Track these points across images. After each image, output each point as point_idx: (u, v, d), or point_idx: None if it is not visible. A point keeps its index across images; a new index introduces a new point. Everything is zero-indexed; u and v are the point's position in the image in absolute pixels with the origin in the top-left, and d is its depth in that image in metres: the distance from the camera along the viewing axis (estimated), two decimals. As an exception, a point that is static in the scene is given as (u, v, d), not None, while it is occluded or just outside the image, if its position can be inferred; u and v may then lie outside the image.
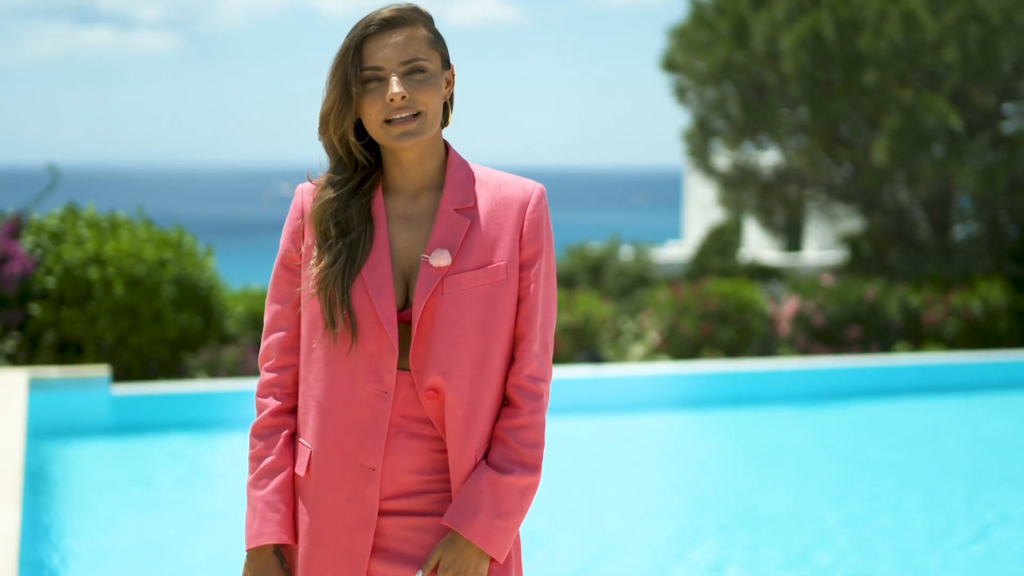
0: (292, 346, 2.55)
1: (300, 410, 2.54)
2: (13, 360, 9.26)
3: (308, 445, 2.51)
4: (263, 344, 2.58)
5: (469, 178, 2.52)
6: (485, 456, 2.49)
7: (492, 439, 2.49)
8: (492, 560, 2.47)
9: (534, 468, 2.48)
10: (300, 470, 2.52)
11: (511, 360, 2.51)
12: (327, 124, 2.47)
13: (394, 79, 2.41)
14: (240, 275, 12.48)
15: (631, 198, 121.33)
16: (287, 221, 2.57)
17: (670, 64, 16.58)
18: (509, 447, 2.47)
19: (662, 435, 9.43)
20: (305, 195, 2.55)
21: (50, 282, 9.22)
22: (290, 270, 2.55)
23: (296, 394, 2.56)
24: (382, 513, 2.48)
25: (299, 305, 2.53)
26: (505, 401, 2.52)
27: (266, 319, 2.58)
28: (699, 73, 16.17)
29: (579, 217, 62.83)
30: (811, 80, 15.18)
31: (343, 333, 2.45)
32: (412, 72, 2.42)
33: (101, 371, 8.32)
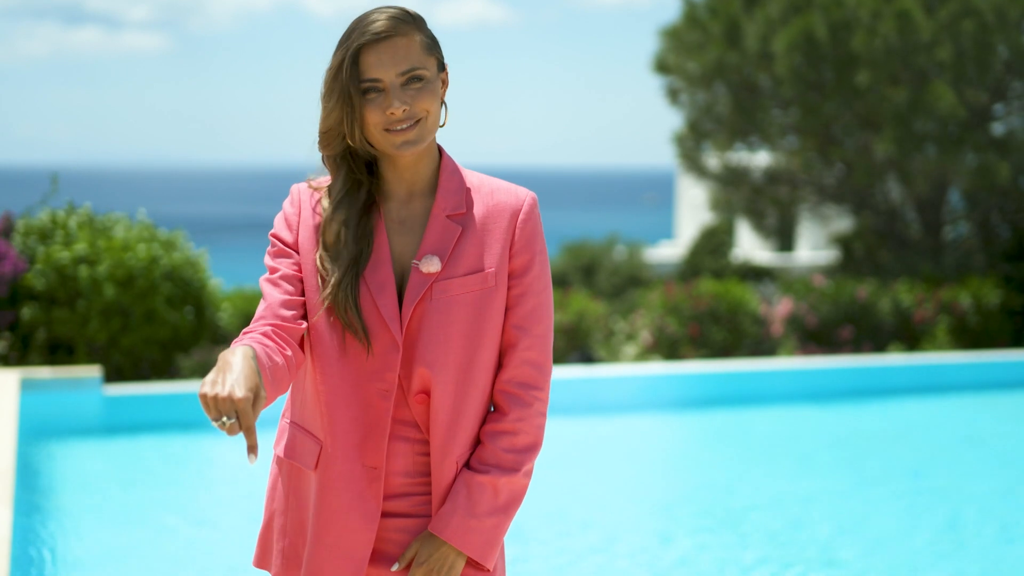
0: (287, 329, 2.43)
1: (309, 406, 2.51)
2: (5, 361, 9.24)
3: (319, 438, 2.49)
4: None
5: (461, 184, 2.52)
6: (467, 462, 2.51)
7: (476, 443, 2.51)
8: (477, 565, 2.48)
9: (511, 470, 2.47)
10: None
11: (500, 366, 2.52)
12: (330, 139, 2.47)
13: (393, 91, 2.40)
14: (232, 275, 12.45)
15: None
16: (281, 215, 2.53)
17: (662, 66, 16.58)
18: (486, 449, 2.48)
19: (654, 435, 9.43)
20: (303, 194, 2.54)
21: (40, 283, 9.17)
22: (283, 255, 2.50)
23: (282, 348, 2.39)
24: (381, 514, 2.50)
25: (294, 289, 2.47)
26: (492, 406, 2.53)
27: (258, 312, 2.50)
28: (691, 74, 16.18)
29: (571, 217, 62.85)
30: (803, 81, 15.19)
31: (351, 337, 2.44)
32: (410, 81, 2.41)
33: (93, 371, 8.30)
